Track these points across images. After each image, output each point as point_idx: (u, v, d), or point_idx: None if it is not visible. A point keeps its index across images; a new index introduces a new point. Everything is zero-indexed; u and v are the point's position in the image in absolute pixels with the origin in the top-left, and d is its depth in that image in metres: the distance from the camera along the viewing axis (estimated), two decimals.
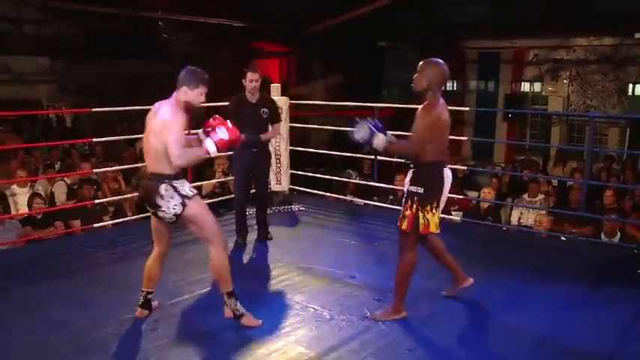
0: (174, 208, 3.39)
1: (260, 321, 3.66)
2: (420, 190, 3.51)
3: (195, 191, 3.53)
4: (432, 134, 3.45)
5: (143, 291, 3.74)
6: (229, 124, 3.56)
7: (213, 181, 7.22)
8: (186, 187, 3.45)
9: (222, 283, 3.60)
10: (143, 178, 3.58)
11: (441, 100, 3.52)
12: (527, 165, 10.47)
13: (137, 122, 11.24)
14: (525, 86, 12.68)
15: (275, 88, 6.69)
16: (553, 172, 10.67)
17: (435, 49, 13.86)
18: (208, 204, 3.87)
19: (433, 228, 3.56)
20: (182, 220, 3.47)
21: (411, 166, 3.60)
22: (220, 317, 3.71)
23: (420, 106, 3.50)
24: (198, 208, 3.49)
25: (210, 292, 4.15)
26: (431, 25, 12.21)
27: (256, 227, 5.51)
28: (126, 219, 6.49)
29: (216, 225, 3.61)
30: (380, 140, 3.47)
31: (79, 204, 6.41)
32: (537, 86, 12.54)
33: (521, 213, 7.65)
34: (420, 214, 3.52)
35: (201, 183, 6.98)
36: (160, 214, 3.45)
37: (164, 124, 3.34)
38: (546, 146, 12.00)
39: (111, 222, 6.46)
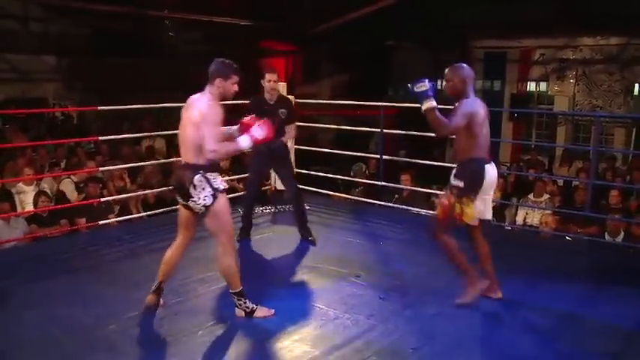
0: (204, 199, 3.48)
1: (272, 310, 3.75)
2: (461, 184, 3.77)
3: (226, 185, 3.62)
4: (469, 128, 3.70)
5: (158, 279, 3.77)
6: (265, 123, 3.68)
7: (226, 178, 7.25)
8: (218, 180, 3.55)
9: (230, 283, 3.66)
10: (178, 168, 3.66)
11: (475, 98, 3.81)
12: (532, 165, 10.44)
13: (141, 120, 11.33)
14: (531, 86, 12.64)
15: (281, 87, 6.68)
16: (559, 172, 10.63)
17: (441, 49, 13.88)
18: None
19: (468, 218, 3.78)
20: (207, 212, 3.53)
21: (457, 163, 3.91)
22: (226, 315, 3.72)
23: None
24: (224, 203, 3.58)
25: (216, 290, 4.15)
26: (437, 25, 12.19)
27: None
28: (131, 217, 6.51)
29: (231, 227, 3.68)
30: (427, 103, 3.63)
31: (84, 202, 6.44)
32: (543, 86, 12.50)
33: (527, 213, 7.63)
34: (457, 205, 3.76)
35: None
36: (191, 203, 3.53)
37: (202, 117, 3.42)
38: (552, 146, 11.96)
39: (116, 219, 6.48)
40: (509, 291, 4.21)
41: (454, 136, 3.89)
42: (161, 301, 3.84)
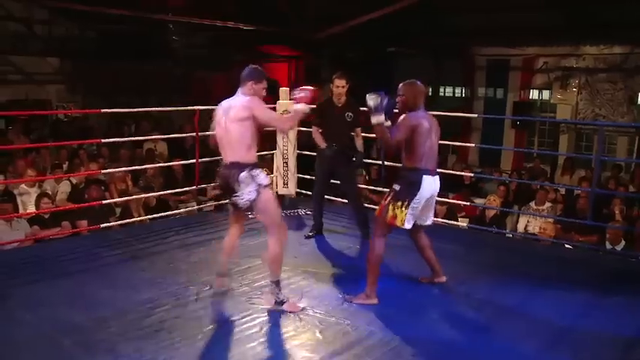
0: (249, 194, 3.72)
1: (300, 306, 3.93)
2: (397, 188, 4.01)
3: (269, 181, 3.88)
4: (412, 139, 3.93)
5: (223, 261, 4.13)
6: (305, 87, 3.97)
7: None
8: (261, 176, 3.78)
9: (272, 271, 3.88)
10: (223, 167, 3.86)
11: (422, 112, 4.04)
12: (534, 173, 10.44)
13: (143, 123, 11.36)
14: (534, 94, 12.64)
15: (284, 91, 6.71)
16: (561, 180, 10.63)
17: (443, 56, 13.89)
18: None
19: (399, 222, 3.98)
20: (253, 206, 3.78)
21: (401, 169, 4.12)
22: (226, 320, 3.73)
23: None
24: (269, 197, 3.83)
25: (215, 294, 4.15)
26: (440, 32, 12.19)
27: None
28: (132, 220, 6.51)
29: (281, 217, 3.96)
30: (377, 117, 3.89)
31: (85, 204, 6.44)
32: (546, 94, 12.49)
33: (528, 221, 7.63)
34: (391, 207, 3.98)
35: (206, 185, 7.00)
36: (235, 199, 3.78)
37: (252, 110, 3.71)
38: (554, 154, 11.96)
39: (117, 223, 6.48)
40: (508, 300, 4.22)
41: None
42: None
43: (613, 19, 10.04)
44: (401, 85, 4.10)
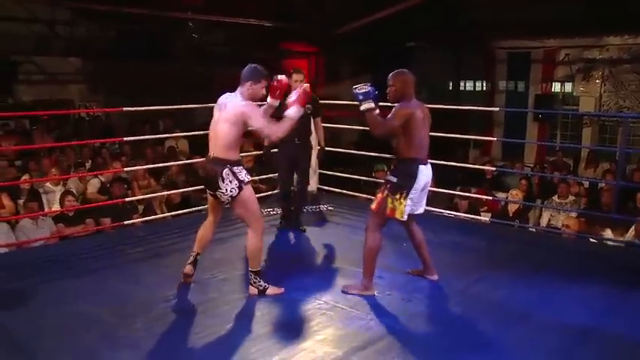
0: (231, 191, 3.85)
1: (282, 288, 4.13)
2: (394, 180, 4.00)
3: (250, 178, 3.97)
4: (405, 128, 3.93)
5: (194, 252, 4.21)
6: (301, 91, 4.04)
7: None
8: (243, 173, 3.91)
9: (252, 261, 4.04)
10: (207, 161, 3.97)
11: (415, 101, 4.04)
12: (557, 166, 10.33)
13: (160, 123, 11.43)
14: (556, 86, 12.48)
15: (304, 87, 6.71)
16: (584, 173, 10.49)
17: (463, 50, 13.79)
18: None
19: (398, 214, 3.98)
20: (234, 201, 3.91)
21: (395, 161, 4.16)
22: (247, 316, 3.74)
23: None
24: (249, 194, 3.95)
25: (238, 292, 4.17)
26: (460, 26, 12.10)
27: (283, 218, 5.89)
28: (155, 217, 6.57)
29: (260, 211, 4.10)
30: (367, 104, 3.94)
31: (110, 202, 6.52)
32: (568, 86, 12.33)
33: (552, 215, 7.55)
34: (389, 199, 3.98)
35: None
36: (218, 194, 3.90)
37: (244, 116, 3.82)
38: (577, 147, 11.81)
39: (140, 220, 6.55)
40: (531, 296, 4.18)
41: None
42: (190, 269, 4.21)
43: (636, 9, 9.86)
44: (390, 75, 4.11)
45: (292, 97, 4.01)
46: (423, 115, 4.02)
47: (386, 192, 4.01)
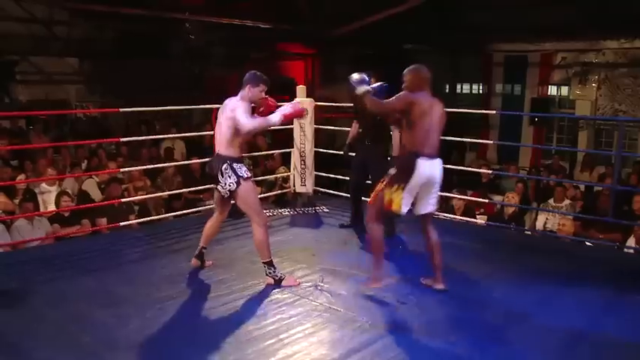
0: (229, 185, 4.12)
1: (299, 281, 4.33)
2: (392, 172, 4.06)
3: (250, 174, 4.22)
4: (406, 118, 3.97)
5: (201, 246, 4.54)
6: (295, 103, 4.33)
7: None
8: (243, 169, 4.16)
9: (262, 254, 4.25)
10: (212, 158, 4.27)
11: (425, 94, 4.01)
12: (553, 170, 10.35)
13: (157, 124, 11.43)
14: (552, 90, 12.51)
15: (300, 89, 6.73)
16: (580, 177, 10.52)
17: (460, 52, 13.79)
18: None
19: (395, 206, 3.99)
20: (234, 196, 4.17)
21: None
22: (244, 319, 3.74)
23: None
24: (248, 189, 4.18)
25: (233, 294, 4.17)
26: (457, 28, 12.12)
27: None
28: (151, 218, 6.56)
29: (260, 205, 4.29)
30: (363, 88, 4.06)
31: (105, 202, 6.51)
32: (564, 90, 12.37)
33: (547, 218, 7.56)
34: (387, 191, 4.01)
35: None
36: (218, 187, 4.19)
37: (233, 113, 4.08)
38: (573, 150, 11.83)
39: (136, 221, 6.54)
40: (527, 299, 4.18)
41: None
42: (210, 262, 4.62)
43: (633, 13, 9.89)
44: (405, 70, 4.13)
45: (287, 106, 4.27)
46: (431, 110, 3.97)
47: (385, 184, 4.06)
